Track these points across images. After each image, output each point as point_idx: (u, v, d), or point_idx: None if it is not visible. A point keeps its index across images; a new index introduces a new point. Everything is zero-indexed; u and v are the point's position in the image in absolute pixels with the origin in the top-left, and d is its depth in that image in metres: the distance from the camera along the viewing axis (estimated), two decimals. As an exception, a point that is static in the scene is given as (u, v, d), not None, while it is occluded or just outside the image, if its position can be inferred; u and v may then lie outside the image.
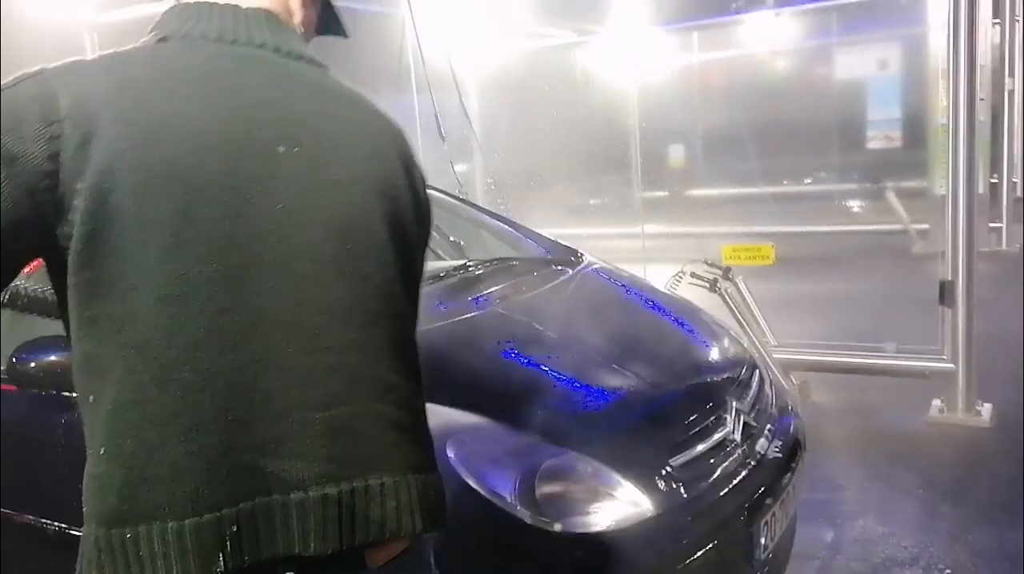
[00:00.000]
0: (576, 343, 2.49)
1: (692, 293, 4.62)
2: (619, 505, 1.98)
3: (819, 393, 4.63)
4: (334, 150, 1.04)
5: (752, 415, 2.45)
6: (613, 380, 2.37)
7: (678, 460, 2.13)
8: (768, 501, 2.28)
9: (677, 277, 4.73)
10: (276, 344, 0.96)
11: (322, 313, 0.99)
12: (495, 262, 3.03)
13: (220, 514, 0.93)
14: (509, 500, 1.89)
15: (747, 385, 2.59)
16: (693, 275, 4.56)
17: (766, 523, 2.23)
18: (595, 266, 3.17)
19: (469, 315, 2.52)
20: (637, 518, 1.97)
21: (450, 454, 1.92)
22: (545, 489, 1.93)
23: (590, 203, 10.20)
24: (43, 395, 2.23)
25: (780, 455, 2.43)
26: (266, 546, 0.95)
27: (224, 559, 0.93)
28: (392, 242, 1.06)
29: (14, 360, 2.20)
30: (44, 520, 2.27)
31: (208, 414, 0.93)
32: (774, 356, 4.56)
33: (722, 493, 2.17)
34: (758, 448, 2.38)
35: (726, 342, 2.81)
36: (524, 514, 1.88)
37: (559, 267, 3.05)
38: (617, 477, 2.00)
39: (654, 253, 5.61)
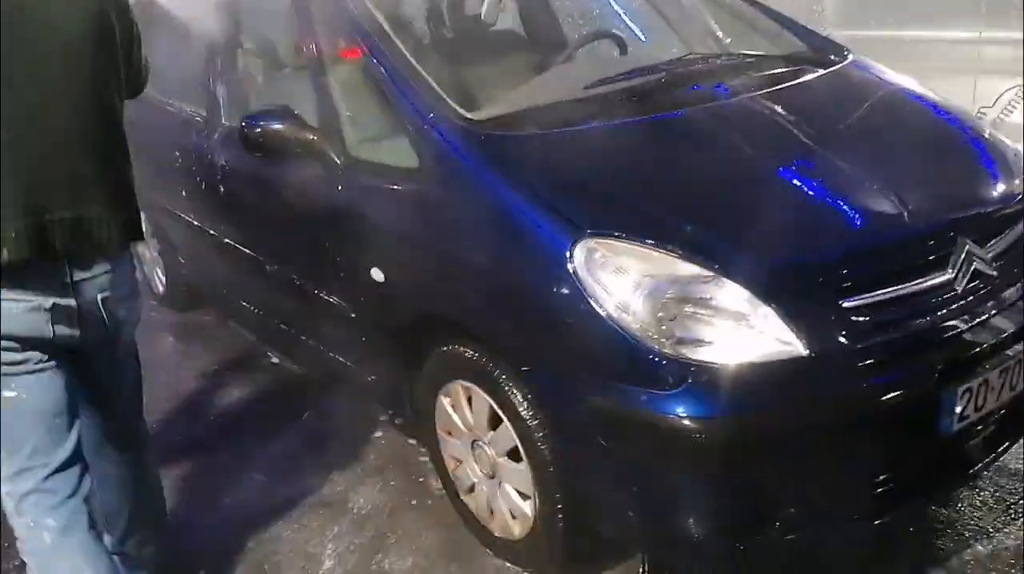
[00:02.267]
0: (797, 146, 2.17)
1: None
2: (762, 339, 1.76)
3: None
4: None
5: (995, 264, 1.99)
6: (813, 194, 2.04)
7: (857, 300, 1.82)
8: (983, 366, 1.89)
9: (1016, 95, 3.88)
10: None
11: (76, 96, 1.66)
12: (740, 56, 2.68)
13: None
14: (629, 319, 1.77)
15: (1004, 226, 2.09)
16: (1032, 92, 3.69)
17: (969, 390, 1.86)
18: (864, 65, 2.68)
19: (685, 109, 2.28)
20: (781, 356, 1.75)
21: (577, 259, 1.82)
22: (674, 311, 1.77)
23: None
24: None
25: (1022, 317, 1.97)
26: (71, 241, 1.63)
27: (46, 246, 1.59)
28: (99, 47, 1.70)
29: (243, 124, 2.44)
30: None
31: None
32: None
33: (908, 346, 1.83)
34: (991, 303, 1.95)
35: (998, 172, 2.26)
36: (646, 335, 1.76)
37: (818, 65, 2.62)
38: (765, 310, 1.76)
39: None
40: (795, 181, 2.06)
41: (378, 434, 2.91)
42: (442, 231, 2.12)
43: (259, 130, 2.41)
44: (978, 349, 1.88)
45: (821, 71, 2.56)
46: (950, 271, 1.92)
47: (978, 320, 1.91)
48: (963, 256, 1.94)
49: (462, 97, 2.25)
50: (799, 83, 2.48)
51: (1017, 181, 2.24)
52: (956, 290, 1.91)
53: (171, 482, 2.74)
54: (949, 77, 4.29)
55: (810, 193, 2.04)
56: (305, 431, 2.97)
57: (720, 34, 2.97)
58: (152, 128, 3.43)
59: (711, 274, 1.79)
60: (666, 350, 1.74)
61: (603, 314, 1.78)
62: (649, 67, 2.48)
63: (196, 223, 3.26)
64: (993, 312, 1.94)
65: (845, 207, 1.99)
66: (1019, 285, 2.02)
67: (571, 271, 1.81)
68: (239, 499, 2.65)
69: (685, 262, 1.80)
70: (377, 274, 2.28)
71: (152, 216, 3.80)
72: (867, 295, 1.83)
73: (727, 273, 1.78)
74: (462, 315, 2.13)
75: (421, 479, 2.64)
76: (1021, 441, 2.25)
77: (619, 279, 1.79)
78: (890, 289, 1.85)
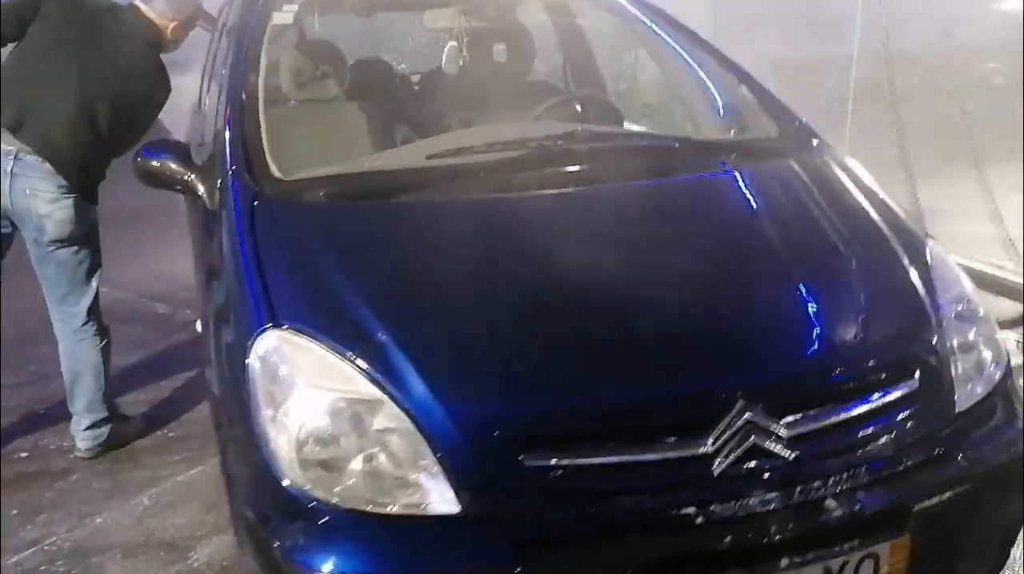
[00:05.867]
0: (604, 261, 1.79)
1: None
2: (414, 486, 1.47)
3: None
4: None
5: (799, 445, 1.53)
6: (561, 327, 1.66)
7: (545, 460, 1.46)
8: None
9: None
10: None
11: None
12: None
13: None
14: (277, 434, 1.54)
15: (850, 393, 1.62)
16: None
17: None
18: (824, 161, 2.22)
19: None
20: (431, 511, 1.46)
21: (257, 349, 1.61)
22: (329, 434, 1.52)
23: None
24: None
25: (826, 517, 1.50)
26: None
27: None
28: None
29: (136, 157, 2.44)
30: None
31: None
32: None
33: (596, 528, 1.45)
34: (771, 496, 1.50)
35: (897, 313, 1.77)
36: (288, 457, 1.52)
37: (760, 155, 2.22)
38: (426, 451, 1.47)
39: None
40: (555, 307, 1.70)
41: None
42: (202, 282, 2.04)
43: (153, 162, 2.40)
44: (711, 552, 1.45)
45: (753, 165, 2.16)
46: (709, 444, 1.50)
47: (736, 513, 1.47)
48: (738, 427, 1.50)
49: (296, 158, 2.13)
50: (698, 179, 2.08)
51: (923, 327, 1.75)
52: (712, 465, 1.49)
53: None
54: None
55: (558, 325, 1.66)
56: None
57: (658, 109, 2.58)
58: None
59: (381, 398, 1.51)
60: (301, 481, 1.50)
61: (259, 418, 1.57)
62: (511, 141, 2.18)
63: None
64: (771, 508, 1.49)
65: (586, 347, 1.61)
66: (837, 479, 1.54)
67: (248, 361, 1.62)
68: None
69: (362, 378, 1.53)
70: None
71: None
72: (562, 457, 1.47)
73: (398, 401, 1.50)
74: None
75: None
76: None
77: (283, 384, 1.57)
78: (601, 454, 1.48)
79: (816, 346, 1.67)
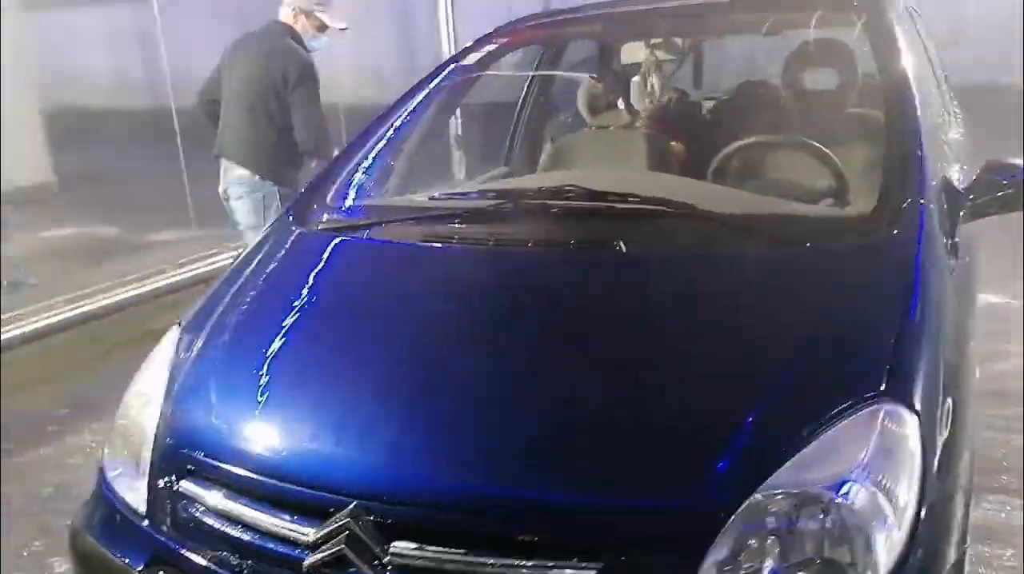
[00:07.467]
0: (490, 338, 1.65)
1: None
2: (131, 477, 1.69)
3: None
4: None
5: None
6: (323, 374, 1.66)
7: (194, 494, 1.56)
8: None
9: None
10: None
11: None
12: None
13: None
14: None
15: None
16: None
17: None
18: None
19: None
20: (128, 499, 1.66)
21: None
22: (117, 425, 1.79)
23: None
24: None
25: None
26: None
27: None
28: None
29: None
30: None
31: None
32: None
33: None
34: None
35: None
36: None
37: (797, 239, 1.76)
38: (150, 449, 1.66)
39: None
40: (351, 357, 1.69)
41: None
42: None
43: None
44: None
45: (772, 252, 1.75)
46: (311, 534, 1.38)
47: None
48: (334, 534, 1.35)
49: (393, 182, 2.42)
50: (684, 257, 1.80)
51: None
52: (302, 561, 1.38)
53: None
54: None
55: (325, 376, 1.66)
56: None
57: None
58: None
59: (159, 395, 1.73)
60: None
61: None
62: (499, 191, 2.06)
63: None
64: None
65: (291, 403, 1.61)
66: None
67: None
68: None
69: (161, 375, 1.76)
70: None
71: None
72: (205, 496, 1.54)
73: (167, 397, 1.71)
74: None
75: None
76: None
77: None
78: (230, 506, 1.50)
79: (473, 471, 1.38)
